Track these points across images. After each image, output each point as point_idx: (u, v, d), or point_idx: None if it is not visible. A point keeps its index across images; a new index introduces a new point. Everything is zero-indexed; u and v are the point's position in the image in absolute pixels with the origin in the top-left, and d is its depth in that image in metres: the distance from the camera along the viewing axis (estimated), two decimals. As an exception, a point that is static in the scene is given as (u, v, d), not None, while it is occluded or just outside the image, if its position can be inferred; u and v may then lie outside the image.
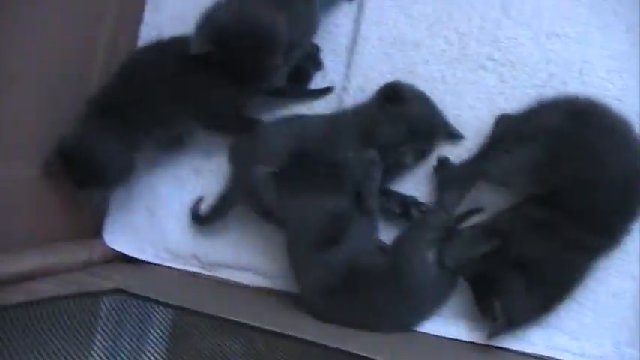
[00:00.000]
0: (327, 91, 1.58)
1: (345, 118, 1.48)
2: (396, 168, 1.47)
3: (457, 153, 1.47)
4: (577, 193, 1.29)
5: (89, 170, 1.50)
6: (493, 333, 1.34)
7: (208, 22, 1.45)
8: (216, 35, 1.43)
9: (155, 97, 1.48)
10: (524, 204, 1.35)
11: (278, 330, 1.34)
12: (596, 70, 1.43)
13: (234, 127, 1.56)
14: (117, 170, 1.54)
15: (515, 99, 1.45)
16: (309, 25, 1.52)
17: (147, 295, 1.45)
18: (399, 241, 1.41)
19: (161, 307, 1.44)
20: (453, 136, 1.47)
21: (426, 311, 1.42)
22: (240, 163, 1.54)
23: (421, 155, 1.46)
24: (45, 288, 1.41)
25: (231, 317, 1.38)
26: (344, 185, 1.40)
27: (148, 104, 1.49)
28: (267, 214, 1.51)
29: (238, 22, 1.42)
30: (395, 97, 1.44)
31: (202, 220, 1.59)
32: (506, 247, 1.33)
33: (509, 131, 1.39)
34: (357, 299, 1.39)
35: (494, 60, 1.48)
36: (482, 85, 1.48)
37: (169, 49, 1.52)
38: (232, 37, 1.42)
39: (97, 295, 1.43)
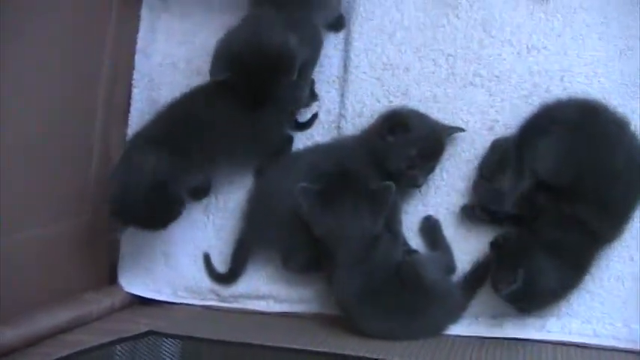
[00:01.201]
0: (314, 118, 1.66)
1: (355, 149, 1.56)
2: (408, 187, 1.56)
3: (456, 165, 1.58)
4: (591, 182, 1.41)
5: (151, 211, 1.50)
6: (509, 294, 1.41)
7: (223, 49, 1.51)
8: (232, 60, 1.49)
9: (210, 139, 1.53)
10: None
11: (298, 347, 1.41)
12: (576, 76, 1.55)
13: (280, 147, 1.63)
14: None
15: (505, 110, 1.57)
16: (315, 43, 1.60)
17: (173, 333, 1.49)
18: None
19: (178, 342, 1.47)
20: (455, 131, 1.57)
21: (450, 315, 1.52)
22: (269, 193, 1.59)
23: (430, 172, 1.56)
24: (76, 340, 1.43)
25: (253, 342, 1.43)
26: (380, 209, 1.47)
27: (204, 146, 1.53)
28: (287, 258, 1.59)
29: (252, 44, 1.48)
30: (400, 126, 1.52)
31: (225, 277, 1.65)
32: (535, 230, 1.44)
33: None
34: (391, 307, 1.47)
35: (481, 76, 1.59)
36: (472, 100, 1.59)
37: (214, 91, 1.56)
38: (247, 59, 1.48)
39: (132, 339, 1.45)
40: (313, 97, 1.66)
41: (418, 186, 1.55)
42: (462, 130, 1.57)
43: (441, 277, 1.51)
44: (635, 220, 1.49)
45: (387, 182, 1.46)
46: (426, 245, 1.58)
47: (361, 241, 1.46)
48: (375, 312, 1.48)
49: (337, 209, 1.45)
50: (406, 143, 1.51)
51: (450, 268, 1.55)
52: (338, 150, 1.58)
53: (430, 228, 1.58)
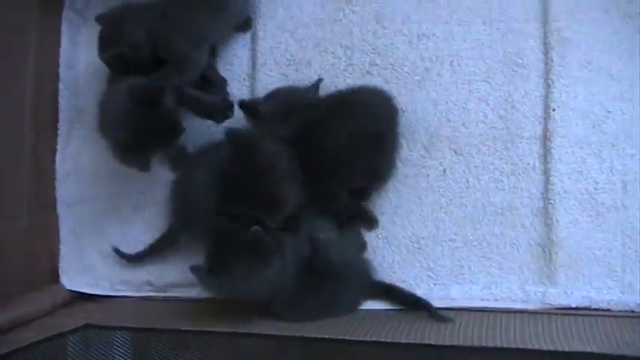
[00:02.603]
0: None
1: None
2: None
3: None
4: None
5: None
6: None
7: None
8: None
9: None
10: None
11: (228, 330, 1.53)
12: (464, 60, 1.66)
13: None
14: None
15: (401, 95, 1.67)
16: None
17: (110, 325, 1.60)
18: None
19: (122, 333, 1.58)
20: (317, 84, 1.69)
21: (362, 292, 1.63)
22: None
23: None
24: (23, 337, 1.54)
25: (186, 328, 1.55)
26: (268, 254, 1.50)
27: None
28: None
29: None
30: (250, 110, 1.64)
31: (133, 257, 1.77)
32: None
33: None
34: (308, 297, 1.56)
35: (377, 65, 1.70)
36: (370, 88, 1.70)
37: None
38: None
39: (68, 334, 1.57)
40: (226, 95, 1.75)
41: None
42: (320, 79, 1.69)
43: (348, 257, 1.60)
44: (525, 189, 1.62)
45: (254, 228, 1.46)
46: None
47: (271, 282, 1.50)
48: (296, 306, 1.56)
49: (231, 278, 1.48)
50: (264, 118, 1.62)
51: (360, 245, 1.67)
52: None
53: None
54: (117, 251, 1.77)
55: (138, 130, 1.53)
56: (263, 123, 1.61)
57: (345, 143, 1.52)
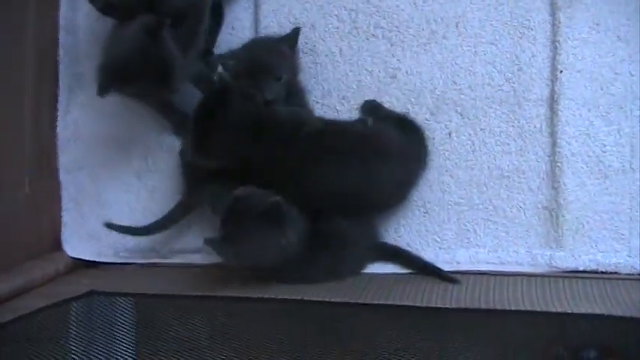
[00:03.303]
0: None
1: None
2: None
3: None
4: None
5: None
6: None
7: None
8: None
9: None
10: None
11: (232, 295, 1.53)
12: (470, 22, 1.64)
13: None
14: None
15: (406, 58, 1.67)
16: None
17: (114, 291, 1.60)
18: None
19: (126, 299, 1.58)
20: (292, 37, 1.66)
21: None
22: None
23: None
24: (26, 304, 1.54)
25: (189, 293, 1.56)
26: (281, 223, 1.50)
27: None
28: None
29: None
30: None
31: (142, 230, 1.73)
32: None
33: None
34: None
35: (382, 28, 1.68)
36: (375, 51, 1.68)
37: None
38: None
39: (72, 300, 1.57)
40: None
41: (267, 99, 1.59)
42: (296, 31, 1.67)
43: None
44: (532, 152, 1.61)
45: (273, 199, 1.47)
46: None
47: (285, 250, 1.50)
48: (302, 269, 1.55)
49: (247, 247, 1.48)
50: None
51: None
52: None
53: (373, 107, 1.67)
54: (119, 228, 1.73)
55: (137, 58, 1.52)
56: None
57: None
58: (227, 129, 1.54)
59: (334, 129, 1.60)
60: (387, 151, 1.55)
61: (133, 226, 1.73)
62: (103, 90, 1.52)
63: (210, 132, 1.55)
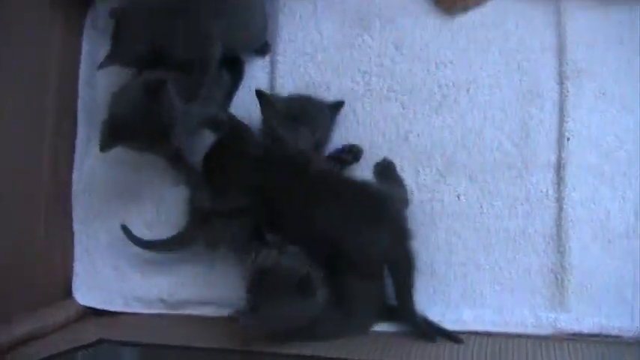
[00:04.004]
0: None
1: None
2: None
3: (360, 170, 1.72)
4: None
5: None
6: None
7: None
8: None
9: None
10: None
11: (240, 349, 1.53)
12: (480, 87, 1.69)
13: None
14: None
15: (418, 120, 1.71)
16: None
17: (123, 340, 1.61)
18: None
19: (135, 349, 1.61)
20: (336, 106, 1.72)
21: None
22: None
23: (320, 143, 1.70)
24: (37, 351, 1.55)
25: (197, 345, 1.57)
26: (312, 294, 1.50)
27: None
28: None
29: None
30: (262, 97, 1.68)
31: (148, 244, 1.76)
32: None
33: None
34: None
35: (394, 91, 1.73)
36: (388, 113, 1.73)
37: None
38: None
39: (81, 348, 1.58)
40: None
41: (301, 150, 1.64)
42: (341, 102, 1.72)
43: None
44: (538, 216, 1.64)
45: (305, 271, 1.47)
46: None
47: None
48: (310, 326, 1.54)
49: (277, 317, 1.48)
50: (274, 109, 1.67)
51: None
52: None
53: (384, 168, 1.70)
54: (125, 230, 1.76)
55: (137, 116, 1.55)
56: (275, 117, 1.65)
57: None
58: (240, 166, 1.60)
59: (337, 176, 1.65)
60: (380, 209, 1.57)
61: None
62: (104, 146, 1.57)
63: (223, 174, 1.59)
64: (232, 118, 1.71)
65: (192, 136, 1.68)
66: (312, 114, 1.69)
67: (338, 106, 1.73)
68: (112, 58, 1.67)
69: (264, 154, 1.63)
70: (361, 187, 1.60)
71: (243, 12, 1.73)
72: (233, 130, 1.68)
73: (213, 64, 1.68)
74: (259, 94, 1.68)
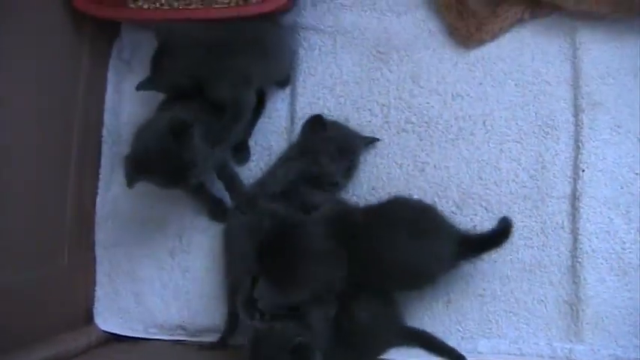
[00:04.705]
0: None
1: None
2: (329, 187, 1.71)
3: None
4: None
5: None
6: None
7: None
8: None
9: None
10: None
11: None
12: (497, 120, 1.72)
13: None
14: None
15: (434, 152, 1.74)
16: None
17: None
18: None
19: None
20: (371, 141, 1.76)
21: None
22: None
23: (348, 174, 1.73)
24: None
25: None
26: None
27: None
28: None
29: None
30: (319, 125, 1.72)
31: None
32: None
33: None
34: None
35: (412, 123, 1.76)
36: (405, 145, 1.75)
37: None
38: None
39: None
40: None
41: (335, 184, 1.69)
42: (376, 139, 1.75)
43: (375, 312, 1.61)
44: (554, 247, 1.66)
45: (299, 339, 1.45)
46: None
47: None
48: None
49: None
50: (325, 138, 1.70)
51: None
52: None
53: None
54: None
55: (158, 154, 1.56)
56: (324, 143, 1.69)
57: None
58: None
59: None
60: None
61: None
62: (130, 181, 1.58)
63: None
64: (278, 212, 1.64)
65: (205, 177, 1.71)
66: (353, 148, 1.73)
67: (373, 141, 1.76)
68: (150, 83, 1.69)
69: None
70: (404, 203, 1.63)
71: (278, 53, 1.79)
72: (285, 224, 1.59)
73: (248, 112, 1.71)
74: (320, 121, 1.72)
